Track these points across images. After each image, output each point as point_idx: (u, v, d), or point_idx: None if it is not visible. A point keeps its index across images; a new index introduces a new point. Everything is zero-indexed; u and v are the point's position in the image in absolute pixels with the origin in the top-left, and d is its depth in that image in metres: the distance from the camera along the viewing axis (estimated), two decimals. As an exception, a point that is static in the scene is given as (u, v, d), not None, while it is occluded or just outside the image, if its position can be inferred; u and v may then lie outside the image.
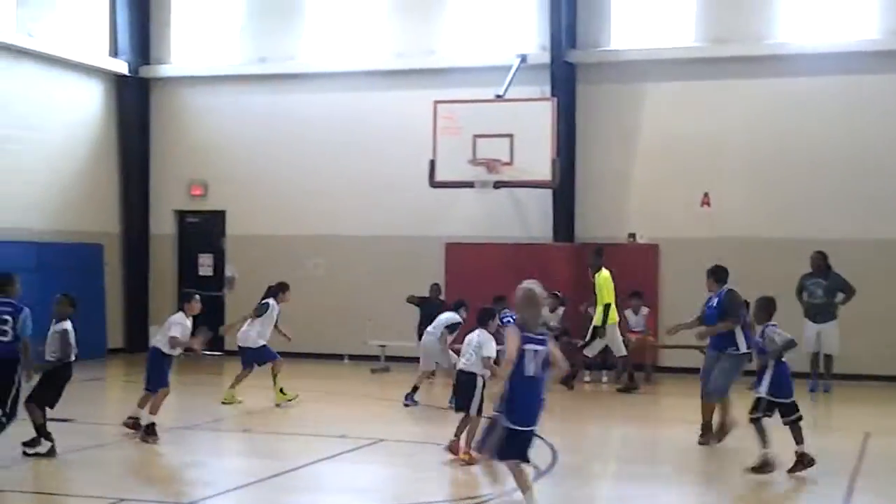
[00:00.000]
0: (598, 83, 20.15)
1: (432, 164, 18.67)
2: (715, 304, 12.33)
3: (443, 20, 20.88)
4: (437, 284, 19.29)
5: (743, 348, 12.00)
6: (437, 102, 18.82)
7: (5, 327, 10.47)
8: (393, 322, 19.79)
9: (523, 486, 8.50)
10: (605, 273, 17.26)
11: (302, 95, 21.61)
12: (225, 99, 22.09)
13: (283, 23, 21.72)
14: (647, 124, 19.92)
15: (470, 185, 18.48)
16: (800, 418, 10.82)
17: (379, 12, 21.28)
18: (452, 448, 11.18)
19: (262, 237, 21.64)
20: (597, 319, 17.15)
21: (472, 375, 11.07)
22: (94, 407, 15.40)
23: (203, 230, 22.27)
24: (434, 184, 18.78)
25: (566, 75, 19.98)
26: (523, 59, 19.88)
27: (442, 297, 19.05)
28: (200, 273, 21.95)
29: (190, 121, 22.33)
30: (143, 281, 22.24)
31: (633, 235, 19.73)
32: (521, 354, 8.20)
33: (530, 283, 8.52)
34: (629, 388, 17.12)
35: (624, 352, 17.37)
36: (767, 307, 11.13)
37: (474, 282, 18.82)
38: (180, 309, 12.91)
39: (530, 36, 20.41)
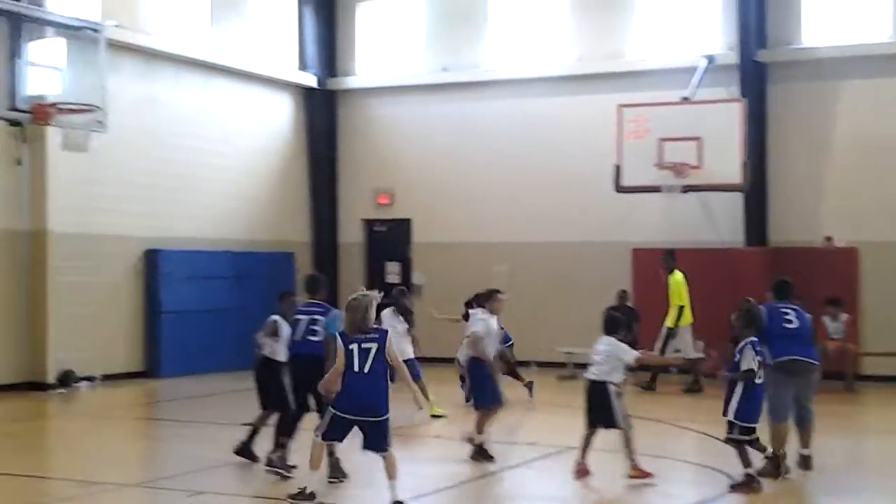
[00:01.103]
0: (789, 82, 19.53)
1: (617, 168, 18.45)
2: None
3: (626, 23, 20.63)
4: (624, 291, 18.98)
5: None
6: (621, 106, 18.60)
7: (316, 327, 10.55)
8: (579, 329, 19.55)
9: (316, 464, 9.23)
10: (678, 275, 17.41)
11: (485, 103, 21.68)
12: (409, 108, 22.36)
13: (465, 31, 21.86)
14: (842, 123, 19.18)
15: (657, 189, 18.18)
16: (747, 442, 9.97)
17: (561, 17, 21.18)
18: (580, 470, 10.47)
19: (447, 244, 21.79)
20: (669, 321, 17.20)
21: (604, 385, 10.32)
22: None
23: (390, 238, 22.60)
24: (620, 188, 18.56)
25: (755, 75, 19.45)
26: (710, 59, 19.46)
27: (630, 304, 18.74)
28: (388, 280, 22.24)
29: (376, 131, 22.68)
30: (332, 288, 22.60)
31: (829, 238, 18.99)
32: (349, 353, 8.97)
33: (355, 293, 9.31)
34: (693, 389, 16.85)
35: (693, 354, 16.80)
36: (753, 319, 10.25)
37: (663, 288, 18.43)
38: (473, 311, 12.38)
39: (717, 36, 19.98)
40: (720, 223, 19.53)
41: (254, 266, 20.59)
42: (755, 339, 10.04)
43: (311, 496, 9.25)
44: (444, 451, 12.70)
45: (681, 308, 17.19)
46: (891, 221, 18.65)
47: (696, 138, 17.92)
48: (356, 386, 8.97)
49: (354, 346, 9.00)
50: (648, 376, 17.34)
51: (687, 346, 17.13)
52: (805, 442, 10.74)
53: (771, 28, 19.67)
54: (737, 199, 19.16)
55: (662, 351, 17.03)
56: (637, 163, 18.18)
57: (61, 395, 16.76)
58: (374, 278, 22.45)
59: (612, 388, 10.28)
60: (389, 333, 9.27)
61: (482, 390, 11.62)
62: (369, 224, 22.90)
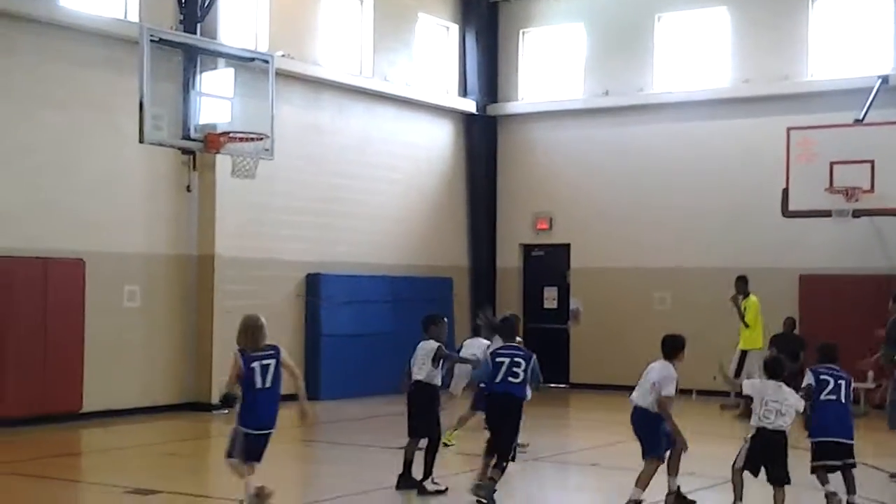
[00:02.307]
0: (969, 102, 18.63)
1: (785, 192, 17.90)
2: None
3: (795, 43, 20.10)
4: (791, 318, 18.38)
5: None
6: (790, 129, 18.06)
7: (517, 370, 10.52)
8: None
9: (245, 476, 9.51)
10: (753, 298, 18.08)
11: (646, 127, 21.41)
12: (569, 133, 22.25)
13: (627, 55, 21.68)
14: None
15: (827, 213, 17.58)
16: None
17: (726, 38, 20.77)
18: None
19: (606, 269, 21.53)
20: (743, 343, 17.62)
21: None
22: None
23: (548, 263, 22.47)
24: (788, 213, 18.03)
25: (933, 95, 18.64)
26: (884, 80, 18.78)
27: (796, 332, 18.14)
28: (545, 306, 22.11)
29: (535, 156, 22.64)
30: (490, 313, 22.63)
31: None
32: (249, 372, 9.49)
33: (249, 314, 9.95)
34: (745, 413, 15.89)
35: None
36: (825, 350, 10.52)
37: (831, 316, 17.82)
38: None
39: (890, 55, 19.21)
40: (893, 249, 18.76)
41: (411, 290, 20.73)
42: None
43: None
44: (600, 481, 12.46)
45: (752, 330, 17.72)
46: None
47: (869, 161, 17.28)
48: (262, 401, 9.54)
49: (256, 364, 9.57)
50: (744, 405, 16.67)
51: (755, 372, 16.57)
52: None
53: (949, 46, 18.86)
54: (913, 225, 18.37)
55: (737, 374, 16.99)
56: (806, 187, 17.65)
57: (224, 416, 17.13)
58: (532, 303, 22.37)
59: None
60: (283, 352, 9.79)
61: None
62: (527, 249, 22.81)
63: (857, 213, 17.44)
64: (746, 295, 18.17)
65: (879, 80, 18.73)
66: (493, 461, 10.46)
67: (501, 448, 10.50)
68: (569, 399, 19.86)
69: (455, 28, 22.76)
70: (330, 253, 19.70)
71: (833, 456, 10.08)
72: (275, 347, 9.81)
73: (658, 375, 10.21)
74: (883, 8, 19.49)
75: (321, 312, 19.18)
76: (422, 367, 11.10)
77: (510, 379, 10.48)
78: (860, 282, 18.62)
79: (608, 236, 21.58)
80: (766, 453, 9.65)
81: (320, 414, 17.90)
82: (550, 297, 22.34)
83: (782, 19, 20.21)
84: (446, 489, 10.88)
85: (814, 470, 10.13)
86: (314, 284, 19.21)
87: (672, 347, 10.62)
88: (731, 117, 20.64)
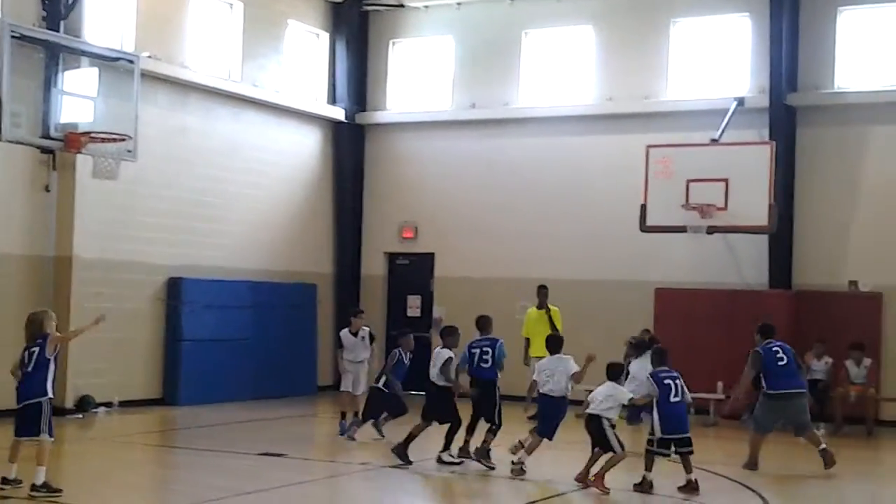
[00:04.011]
0: (819, 126, 19.47)
1: (643, 208, 18.37)
2: None
3: (656, 63, 20.64)
4: (647, 330, 18.88)
5: None
6: (649, 146, 18.55)
7: (486, 356, 13.28)
8: (600, 367, 19.42)
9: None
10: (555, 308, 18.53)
11: (512, 140, 21.75)
12: (437, 144, 22.46)
13: (495, 69, 21.98)
14: (871, 168, 19.08)
15: (682, 229, 18.08)
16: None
17: (591, 57, 21.23)
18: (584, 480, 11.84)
19: (469, 280, 21.79)
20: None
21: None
22: (303, 442, 15.68)
23: (412, 272, 22.62)
24: (645, 228, 18.48)
25: (785, 118, 19.41)
26: (740, 102, 19.43)
27: (659, 343, 18.63)
28: (409, 314, 22.25)
29: (402, 165, 22.79)
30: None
31: (854, 283, 18.84)
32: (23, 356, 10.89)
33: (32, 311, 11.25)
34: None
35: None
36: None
37: (684, 328, 18.38)
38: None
39: (747, 78, 19.95)
40: (745, 265, 19.45)
41: (275, 296, 20.68)
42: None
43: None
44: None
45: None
46: (917, 267, 18.51)
47: (724, 180, 17.81)
48: (24, 381, 10.80)
49: (27, 352, 10.82)
50: None
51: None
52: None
53: (802, 71, 19.62)
54: (762, 242, 19.07)
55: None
56: (663, 203, 18.10)
57: (78, 421, 16.81)
58: (395, 311, 22.49)
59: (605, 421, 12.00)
60: (50, 337, 10.85)
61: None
62: (392, 257, 22.94)
63: (710, 230, 17.95)
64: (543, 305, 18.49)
65: (735, 102, 19.38)
66: (487, 430, 13.05)
67: (486, 417, 13.19)
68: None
69: (325, 36, 22.77)
70: (193, 257, 19.48)
71: (669, 446, 11.92)
72: (44, 335, 10.88)
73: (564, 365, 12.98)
74: (740, 32, 20.19)
75: (182, 317, 18.94)
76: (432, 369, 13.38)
77: (482, 364, 13.29)
78: (713, 296, 19.24)
79: (472, 246, 21.84)
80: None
81: (178, 420, 17.71)
82: (414, 306, 22.49)
83: (644, 40, 20.76)
84: (461, 462, 12.88)
85: (650, 454, 11.92)
86: (176, 288, 18.96)
87: (559, 344, 13.40)
88: (594, 133, 21.10)
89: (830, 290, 18.81)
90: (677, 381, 11.93)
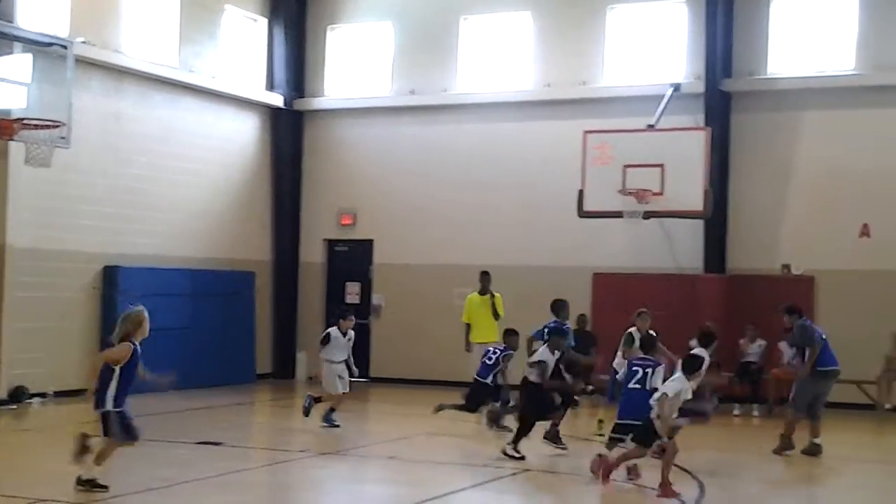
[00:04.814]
0: (753, 112, 19.72)
1: (581, 193, 18.51)
2: None
3: (593, 50, 20.77)
4: (583, 315, 19.09)
5: None
6: (587, 132, 18.68)
7: (489, 362, 14.92)
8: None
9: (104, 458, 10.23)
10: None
11: (451, 126, 21.77)
12: (376, 130, 22.42)
13: (434, 55, 21.97)
14: (803, 154, 19.37)
15: (619, 214, 18.23)
16: None
17: (530, 43, 21.30)
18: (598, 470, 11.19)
19: (409, 266, 21.81)
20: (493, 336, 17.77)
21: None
22: (241, 431, 15.63)
23: (351, 258, 22.59)
24: (583, 213, 18.62)
25: (720, 104, 19.63)
26: (676, 88, 19.62)
27: (588, 329, 18.86)
28: (348, 300, 22.22)
29: (341, 152, 22.72)
30: (292, 308, 22.65)
31: (787, 267, 19.15)
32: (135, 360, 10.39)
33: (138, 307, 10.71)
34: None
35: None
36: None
37: (621, 312, 18.48)
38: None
39: (683, 65, 20.13)
40: (680, 249, 19.67)
41: (213, 284, 20.54)
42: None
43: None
44: (397, 473, 12.68)
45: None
46: (846, 250, 18.83)
47: (660, 165, 18.00)
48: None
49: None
50: None
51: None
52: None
53: (736, 58, 19.85)
54: (697, 226, 19.29)
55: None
56: (601, 188, 18.24)
57: (12, 412, 16.59)
58: (334, 298, 22.45)
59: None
60: None
61: None
62: (331, 244, 22.87)
63: (647, 215, 18.13)
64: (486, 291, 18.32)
65: (671, 88, 19.58)
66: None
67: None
68: (369, 393, 20.04)
69: (263, 21, 22.60)
70: (129, 245, 19.27)
71: (622, 431, 11.47)
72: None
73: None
74: (676, 19, 20.36)
75: (118, 306, 18.68)
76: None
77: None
78: (649, 280, 19.46)
79: (411, 233, 21.86)
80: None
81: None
82: (353, 292, 22.45)
83: (582, 26, 20.86)
84: (523, 457, 12.58)
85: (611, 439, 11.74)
86: (112, 277, 18.74)
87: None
88: (533, 119, 21.19)
89: (764, 273, 19.10)
90: (647, 370, 11.62)
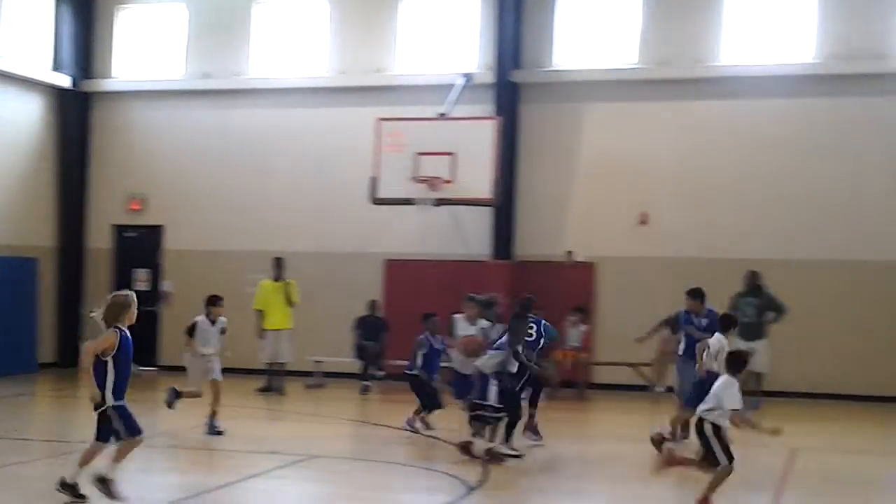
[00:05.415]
0: (540, 103, 20.27)
1: (374, 180, 18.65)
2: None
3: (388, 38, 20.93)
4: (375, 301, 19.30)
5: None
6: (380, 120, 18.83)
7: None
8: (331, 338, 19.75)
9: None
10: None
11: (245, 111, 21.56)
12: (167, 114, 21.99)
13: (227, 39, 21.69)
14: (586, 144, 20.06)
15: (411, 202, 18.45)
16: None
17: (324, 30, 21.29)
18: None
19: (200, 252, 21.52)
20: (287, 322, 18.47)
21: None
22: (20, 422, 15.15)
23: (140, 245, 22.10)
24: (375, 200, 18.77)
25: (510, 95, 20.09)
26: (468, 78, 19.95)
27: (379, 315, 19.08)
28: (137, 288, 21.70)
29: (130, 135, 22.19)
30: (77, 295, 22.00)
31: (570, 253, 19.83)
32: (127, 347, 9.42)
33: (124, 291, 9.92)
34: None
35: (282, 359, 18.62)
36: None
37: (413, 299, 18.84)
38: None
39: (475, 55, 20.50)
40: (470, 237, 20.08)
41: (-7, 271, 19.77)
42: None
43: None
44: (182, 462, 12.56)
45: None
46: (625, 238, 19.63)
47: (451, 153, 18.30)
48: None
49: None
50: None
51: (278, 352, 18.45)
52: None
53: (525, 50, 20.36)
54: (486, 214, 19.74)
55: None
56: (393, 176, 18.42)
57: None
58: (123, 285, 21.90)
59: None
60: None
61: None
62: (120, 229, 22.32)
63: (438, 202, 18.42)
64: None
65: (463, 78, 19.92)
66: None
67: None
68: (157, 382, 19.65)
69: (49, -2, 21.81)
70: None
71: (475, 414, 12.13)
72: None
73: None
74: (469, 10, 20.71)
75: None
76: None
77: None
78: (439, 267, 19.82)
79: (203, 218, 21.56)
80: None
81: None
82: (142, 279, 21.97)
83: (377, 14, 20.96)
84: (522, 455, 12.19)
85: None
86: None
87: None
88: (327, 106, 21.19)
89: (548, 259, 19.73)
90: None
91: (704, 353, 12.29)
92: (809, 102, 19.09)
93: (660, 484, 10.68)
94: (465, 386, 12.95)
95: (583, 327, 18.69)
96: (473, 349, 13.15)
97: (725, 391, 9.40)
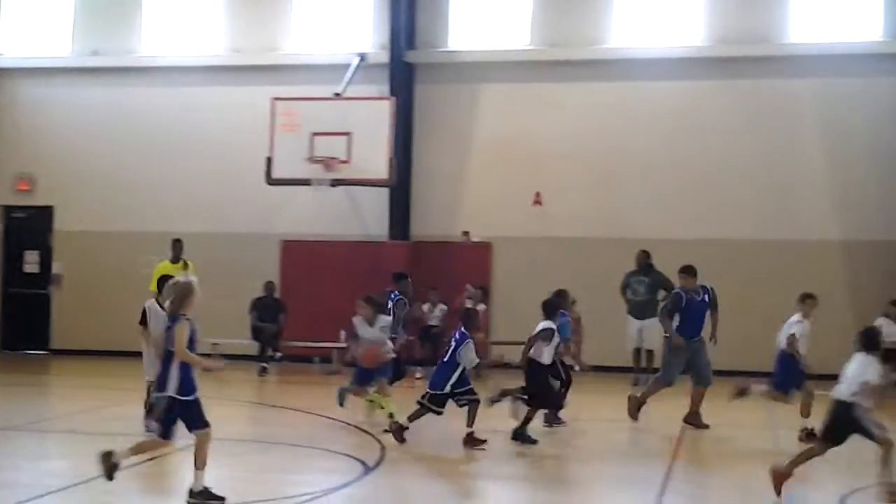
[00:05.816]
0: (435, 83, 20.38)
1: (269, 161, 18.55)
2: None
3: (282, 17, 20.82)
4: (271, 282, 19.24)
5: None
6: (275, 99, 18.73)
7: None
8: (227, 320, 19.60)
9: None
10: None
11: (137, 89, 21.26)
12: (55, 91, 21.56)
13: (118, 15, 21.36)
14: (481, 124, 20.24)
15: (307, 182, 18.41)
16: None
17: (217, 7, 21.08)
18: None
19: (92, 233, 21.19)
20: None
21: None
22: None
23: (30, 226, 21.63)
24: (271, 181, 18.67)
25: (404, 75, 20.15)
26: (362, 57, 19.95)
27: (276, 296, 19.02)
28: (26, 270, 21.30)
29: (18, 114, 21.71)
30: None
31: (466, 233, 20.01)
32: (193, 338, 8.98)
33: (186, 279, 9.26)
34: None
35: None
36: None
37: (310, 279, 18.84)
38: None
39: (370, 35, 20.50)
40: (367, 217, 20.14)
41: None
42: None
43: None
44: (78, 448, 12.42)
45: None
46: (520, 218, 19.87)
47: (347, 134, 18.28)
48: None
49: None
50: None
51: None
52: None
53: (420, 30, 20.43)
54: (383, 194, 19.81)
55: None
56: (289, 156, 18.34)
57: None
58: (12, 268, 21.47)
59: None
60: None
61: None
62: (8, 210, 21.81)
63: (334, 183, 18.41)
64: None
65: (358, 58, 19.92)
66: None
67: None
68: (49, 365, 19.36)
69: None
70: None
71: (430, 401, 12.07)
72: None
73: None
74: (365, -11, 20.69)
75: None
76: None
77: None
78: (336, 247, 19.85)
79: (95, 199, 21.21)
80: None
81: None
82: (32, 261, 21.50)
83: (270, -7, 20.86)
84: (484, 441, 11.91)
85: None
86: None
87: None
88: (221, 84, 21.00)
89: (445, 240, 19.87)
90: (452, 342, 12.16)
91: (793, 340, 12.15)
92: (700, 85, 19.54)
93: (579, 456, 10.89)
94: (367, 375, 13.07)
95: (482, 307, 18.85)
96: (373, 358, 13.11)
97: (867, 368, 9.11)
